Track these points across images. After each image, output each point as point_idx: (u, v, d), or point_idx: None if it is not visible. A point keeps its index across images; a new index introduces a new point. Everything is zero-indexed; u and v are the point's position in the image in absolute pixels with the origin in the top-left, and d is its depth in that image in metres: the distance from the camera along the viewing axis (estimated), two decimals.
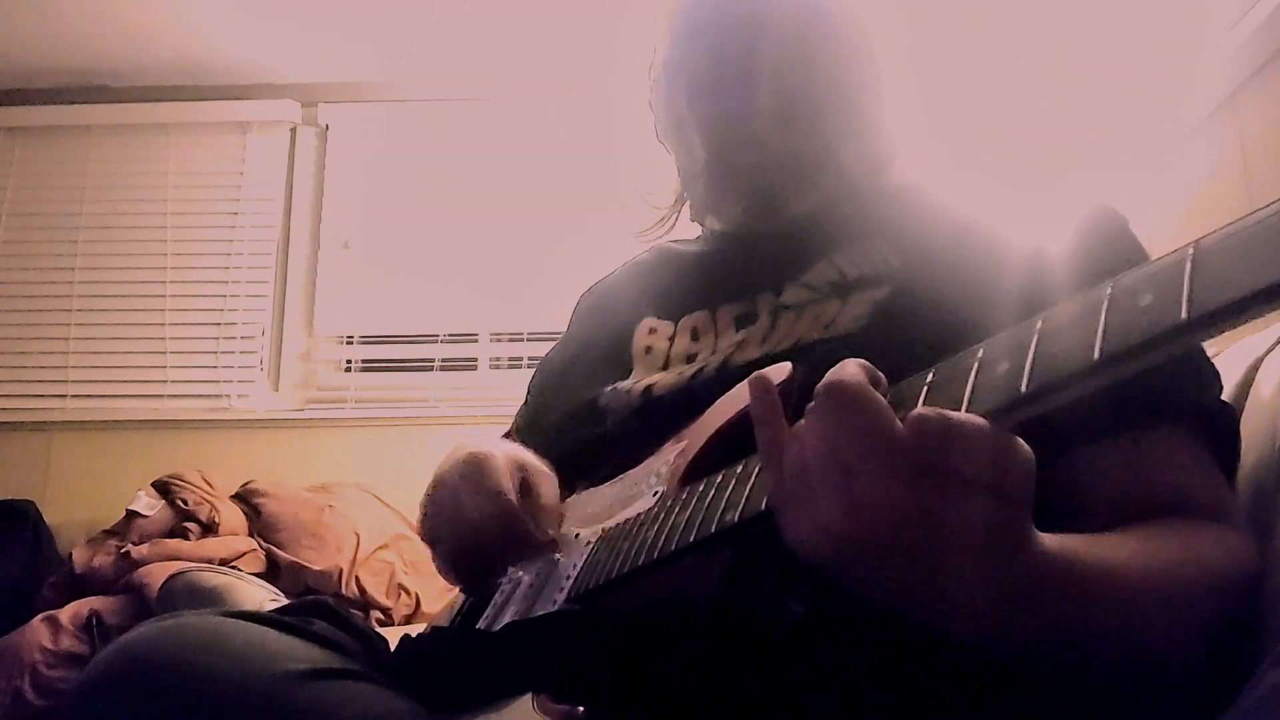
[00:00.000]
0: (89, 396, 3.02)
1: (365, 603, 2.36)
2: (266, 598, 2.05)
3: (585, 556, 0.68)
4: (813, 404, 0.47)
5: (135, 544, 2.36)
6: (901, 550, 0.45)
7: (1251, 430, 0.72)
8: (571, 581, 0.67)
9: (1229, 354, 0.85)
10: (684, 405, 0.73)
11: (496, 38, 2.95)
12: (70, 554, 2.44)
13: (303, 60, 3.10)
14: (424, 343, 3.06)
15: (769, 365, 0.55)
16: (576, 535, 0.72)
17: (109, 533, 2.47)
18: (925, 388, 0.47)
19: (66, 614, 2.19)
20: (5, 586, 2.41)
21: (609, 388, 0.83)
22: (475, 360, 3.05)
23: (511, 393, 1.14)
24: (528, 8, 2.81)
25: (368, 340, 3.09)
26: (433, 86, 3.15)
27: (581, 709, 0.57)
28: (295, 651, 0.63)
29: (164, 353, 3.03)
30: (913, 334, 0.67)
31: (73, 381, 3.02)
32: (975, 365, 0.45)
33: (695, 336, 0.84)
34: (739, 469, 0.56)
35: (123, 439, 2.93)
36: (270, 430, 2.95)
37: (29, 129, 3.18)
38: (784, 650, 0.61)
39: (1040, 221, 0.74)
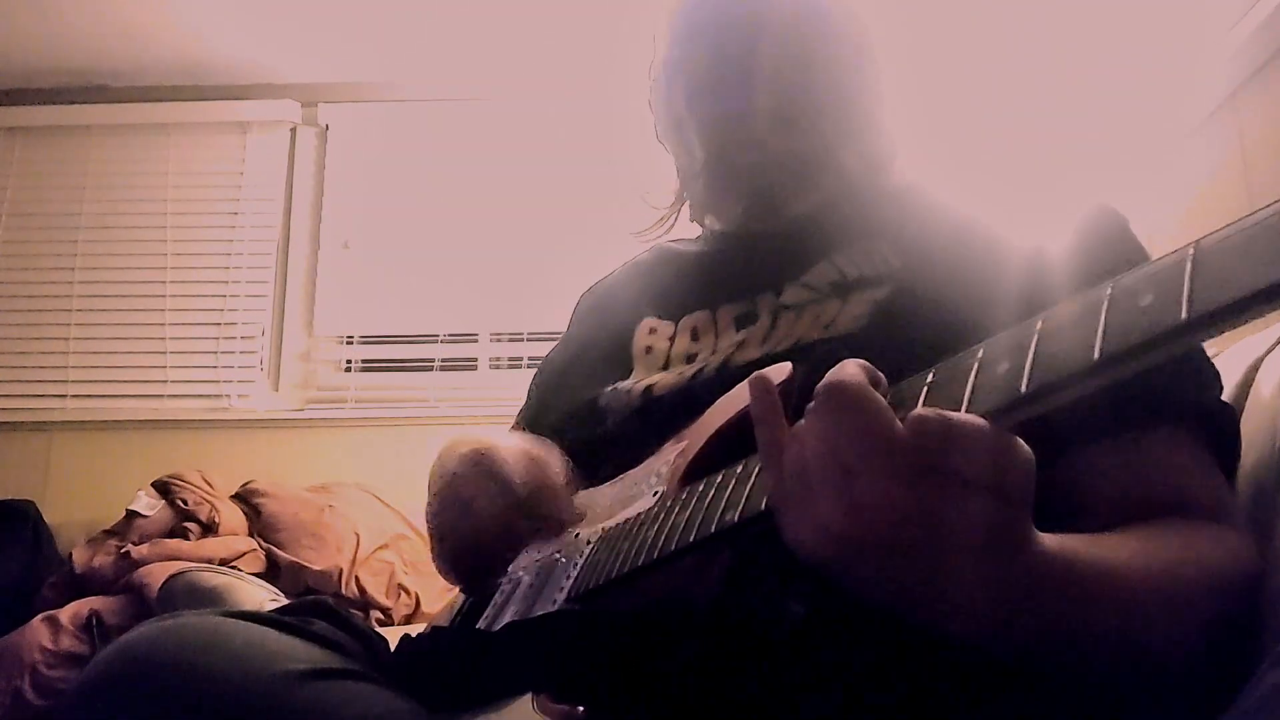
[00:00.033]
0: (89, 396, 3.02)
1: (365, 603, 2.36)
2: (266, 598, 2.05)
3: (585, 556, 0.68)
4: (813, 404, 0.46)
5: (135, 544, 2.36)
6: (901, 550, 0.45)
7: (1251, 430, 0.72)
8: (571, 581, 0.67)
9: (1229, 354, 0.84)
10: (684, 405, 0.73)
11: (496, 38, 2.95)
12: (70, 554, 2.44)
13: (303, 60, 3.10)
14: (424, 343, 3.06)
15: (769, 365, 0.55)
16: (576, 535, 0.72)
17: (109, 533, 2.47)
18: (925, 388, 0.47)
19: (66, 614, 2.19)
20: (5, 586, 2.40)
21: (609, 388, 0.83)
22: (475, 360, 3.05)
23: (511, 393, 1.14)
24: (528, 8, 2.81)
25: (368, 340, 3.09)
26: (433, 86, 3.15)
27: (581, 709, 0.57)
28: (295, 651, 0.63)
29: (164, 353, 3.03)
30: (913, 334, 0.67)
31: (73, 381, 3.02)
32: (975, 365, 0.45)
33: (695, 336, 0.84)
34: (739, 469, 0.56)
35: (123, 439, 2.93)
36: (270, 430, 2.95)
37: (29, 129, 3.18)
38: (784, 650, 0.61)
39: (1040, 221, 0.74)
